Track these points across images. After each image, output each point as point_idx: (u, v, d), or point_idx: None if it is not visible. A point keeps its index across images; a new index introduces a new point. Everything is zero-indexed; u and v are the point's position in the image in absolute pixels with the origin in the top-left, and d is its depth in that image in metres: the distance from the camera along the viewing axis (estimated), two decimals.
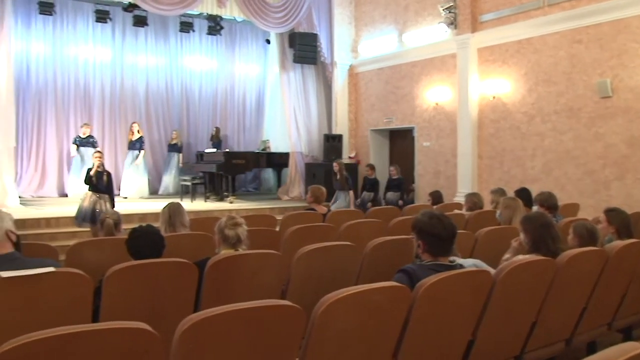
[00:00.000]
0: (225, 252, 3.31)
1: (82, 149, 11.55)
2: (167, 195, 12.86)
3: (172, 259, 3.09)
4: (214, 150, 13.01)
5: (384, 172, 12.04)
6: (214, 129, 14.22)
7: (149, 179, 12.87)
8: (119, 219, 4.79)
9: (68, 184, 12.04)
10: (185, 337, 1.91)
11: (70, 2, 12.60)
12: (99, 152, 8.63)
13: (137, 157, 12.33)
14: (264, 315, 2.08)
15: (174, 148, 13.50)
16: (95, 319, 2.83)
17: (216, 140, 14.08)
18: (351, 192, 9.96)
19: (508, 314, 3.01)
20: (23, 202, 10.47)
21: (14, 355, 1.68)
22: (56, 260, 3.52)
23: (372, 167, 11.71)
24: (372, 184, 11.52)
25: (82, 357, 1.78)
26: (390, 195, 11.27)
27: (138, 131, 12.46)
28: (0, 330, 2.46)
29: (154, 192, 13.21)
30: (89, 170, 8.28)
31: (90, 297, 2.77)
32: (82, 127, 11.89)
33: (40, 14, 11.76)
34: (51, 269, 2.65)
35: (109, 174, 8.40)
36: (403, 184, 11.39)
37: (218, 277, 3.11)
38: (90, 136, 11.79)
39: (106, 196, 8.21)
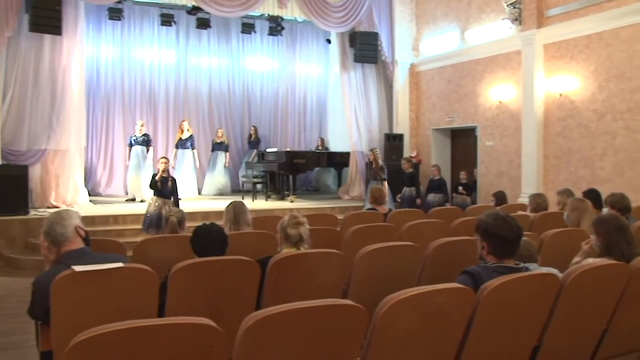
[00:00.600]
0: (287, 251, 3.34)
1: (136, 147, 11.48)
2: (216, 195, 12.75)
3: (235, 256, 3.14)
4: (275, 149, 13.15)
5: (443, 173, 11.78)
6: (252, 127, 14.10)
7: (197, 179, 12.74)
8: (182, 217, 4.91)
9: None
10: (249, 334, 1.93)
11: (137, 7, 13.04)
12: (165, 157, 8.59)
13: (190, 156, 12.09)
14: (327, 314, 2.08)
15: (219, 147, 13.06)
16: (160, 313, 2.92)
17: (255, 139, 13.95)
18: (385, 183, 9.65)
19: (577, 319, 2.90)
20: (92, 199, 10.93)
21: (87, 345, 1.75)
22: (124, 256, 3.64)
23: (408, 161, 11.08)
24: (410, 178, 10.90)
25: (149, 350, 1.84)
26: (431, 197, 10.80)
27: (188, 129, 12.13)
28: (73, 321, 2.57)
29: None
30: (154, 175, 8.31)
31: (156, 292, 2.85)
32: (137, 125, 11.82)
33: (110, 19, 12.26)
34: (120, 264, 2.74)
35: (173, 180, 8.39)
36: (445, 185, 10.99)
37: (280, 276, 3.14)
38: (145, 134, 11.67)
39: (170, 201, 8.17)
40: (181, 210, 5.02)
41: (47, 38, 9.86)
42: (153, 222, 8.00)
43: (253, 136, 13.99)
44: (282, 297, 2.94)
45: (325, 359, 2.16)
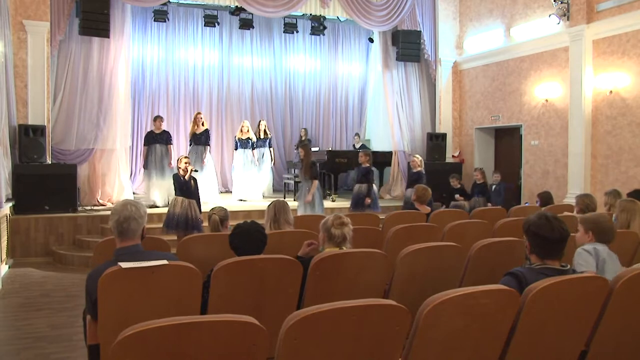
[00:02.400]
0: (329, 250, 3.34)
1: (156, 146, 10.14)
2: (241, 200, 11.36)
3: (278, 255, 3.15)
4: (316, 149, 13.17)
5: (488, 174, 11.53)
6: (260, 122, 12.23)
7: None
8: (225, 216, 4.93)
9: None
10: (291, 333, 1.94)
11: (181, 9, 13.28)
12: (187, 157, 8.05)
13: (207, 153, 10.67)
14: (369, 314, 2.08)
15: (246, 144, 11.50)
16: (202, 311, 2.96)
17: (263, 137, 11.97)
18: (314, 182, 8.54)
19: (627, 325, 2.81)
20: (136, 198, 11.11)
21: (133, 341, 1.79)
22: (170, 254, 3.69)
23: (366, 154, 9.40)
24: (364, 174, 9.37)
25: (193, 346, 1.87)
26: (409, 192, 9.31)
27: (203, 123, 10.65)
28: (119, 317, 2.63)
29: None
30: (176, 175, 7.85)
31: (199, 290, 2.88)
32: (155, 120, 10.39)
33: (155, 21, 12.50)
34: (164, 261, 2.79)
35: (195, 180, 7.99)
36: (423, 179, 9.39)
37: (322, 275, 3.14)
38: (164, 131, 10.33)
39: (194, 202, 7.82)
40: (224, 209, 5.03)
41: (96, 41, 10.15)
42: (181, 223, 7.61)
43: (262, 132, 12.03)
44: (323, 296, 2.95)
45: (367, 358, 2.16)
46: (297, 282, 3.13)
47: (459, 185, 10.45)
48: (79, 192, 9.76)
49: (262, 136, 11.95)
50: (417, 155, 10.11)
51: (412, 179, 9.66)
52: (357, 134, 14.62)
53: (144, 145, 10.36)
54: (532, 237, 2.84)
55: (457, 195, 10.34)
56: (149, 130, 10.76)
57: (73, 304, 6.14)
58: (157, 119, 10.37)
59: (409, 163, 10.96)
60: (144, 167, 10.43)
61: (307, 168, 8.60)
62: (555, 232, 2.79)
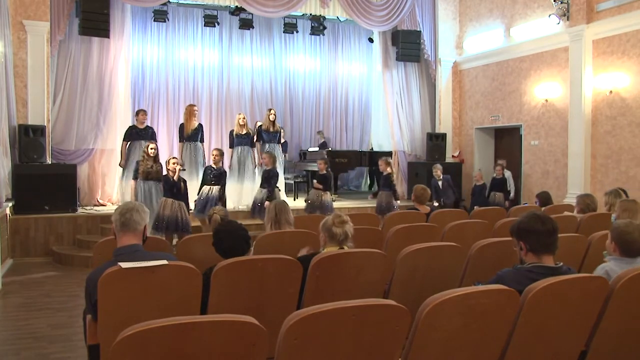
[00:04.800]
0: (329, 250, 3.34)
1: (141, 143, 9.29)
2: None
3: (278, 255, 3.15)
4: (316, 149, 13.17)
5: (488, 173, 11.58)
6: (270, 112, 10.44)
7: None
8: (226, 215, 4.95)
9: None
10: (291, 333, 1.94)
11: (181, 9, 13.27)
12: (175, 157, 7.73)
13: (200, 151, 9.75)
14: (369, 314, 2.08)
15: (244, 140, 9.95)
16: (202, 310, 2.96)
17: (273, 130, 10.19)
18: (161, 186, 7.91)
19: (627, 325, 2.81)
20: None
21: (133, 340, 1.79)
22: (171, 254, 3.69)
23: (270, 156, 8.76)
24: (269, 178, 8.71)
25: (193, 346, 1.87)
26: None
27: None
28: (119, 316, 2.63)
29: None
30: (167, 177, 7.59)
31: (199, 290, 2.88)
32: (138, 114, 9.71)
33: (155, 21, 12.49)
34: (164, 261, 2.79)
35: (184, 181, 7.81)
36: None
37: (322, 275, 3.13)
38: (148, 127, 9.72)
39: (183, 204, 7.62)
40: (224, 209, 5.05)
41: (96, 41, 10.16)
42: (170, 225, 7.42)
43: (272, 125, 10.21)
44: (323, 296, 2.95)
45: (366, 358, 2.16)
46: (297, 282, 3.13)
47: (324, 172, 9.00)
48: (79, 192, 9.75)
49: (272, 129, 10.20)
50: (267, 152, 9.14)
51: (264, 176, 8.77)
52: (319, 132, 14.43)
53: (125, 140, 9.50)
54: (525, 235, 2.83)
55: (314, 181, 9.06)
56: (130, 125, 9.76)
57: (73, 304, 6.14)
58: (141, 112, 9.68)
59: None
60: (120, 166, 9.60)
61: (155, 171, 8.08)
62: (547, 224, 2.81)
